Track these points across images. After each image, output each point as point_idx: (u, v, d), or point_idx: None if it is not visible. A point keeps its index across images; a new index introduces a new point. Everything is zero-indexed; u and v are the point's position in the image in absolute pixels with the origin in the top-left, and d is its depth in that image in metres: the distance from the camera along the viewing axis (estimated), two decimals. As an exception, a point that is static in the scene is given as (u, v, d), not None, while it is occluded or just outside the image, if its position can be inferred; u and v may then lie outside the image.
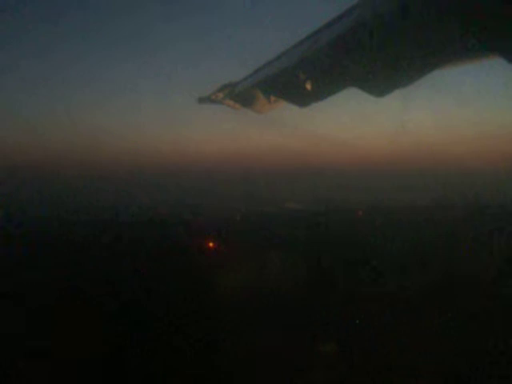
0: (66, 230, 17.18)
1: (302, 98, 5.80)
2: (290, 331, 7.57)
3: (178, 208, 23.87)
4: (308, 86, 5.54)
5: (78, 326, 7.79)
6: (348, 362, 6.98)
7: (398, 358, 6.99)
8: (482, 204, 21.25)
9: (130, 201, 26.23)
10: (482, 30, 3.42)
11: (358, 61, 4.76)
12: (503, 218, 16.72)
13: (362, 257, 12.47)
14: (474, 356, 6.64)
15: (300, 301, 8.94)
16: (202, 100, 7.01)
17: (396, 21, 3.98)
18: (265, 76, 5.99)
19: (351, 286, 9.90)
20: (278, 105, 6.48)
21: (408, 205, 22.87)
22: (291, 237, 14.76)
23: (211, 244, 14.48)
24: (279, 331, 7.47)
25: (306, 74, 5.48)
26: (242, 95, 6.59)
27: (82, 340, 7.28)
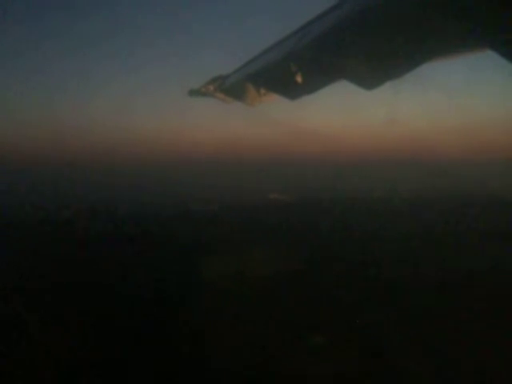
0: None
1: (292, 91, 5.83)
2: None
3: (154, 200, 23.82)
4: (299, 79, 5.56)
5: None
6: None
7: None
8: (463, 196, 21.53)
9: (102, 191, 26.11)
10: (473, 24, 3.46)
11: (348, 54, 4.79)
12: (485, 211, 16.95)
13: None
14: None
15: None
16: (192, 93, 7.01)
17: (386, 14, 4.01)
18: (255, 69, 5.99)
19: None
20: (268, 98, 6.50)
21: (385, 196, 23.14)
22: (259, 230, 14.78)
23: (133, 234, 14.44)
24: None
25: (297, 67, 5.50)
26: (232, 88, 6.61)
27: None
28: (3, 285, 9.37)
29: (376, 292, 9.46)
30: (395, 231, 14.70)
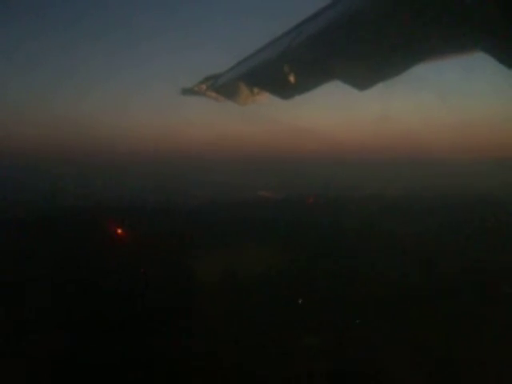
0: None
1: (285, 91, 5.80)
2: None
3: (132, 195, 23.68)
4: (292, 79, 5.53)
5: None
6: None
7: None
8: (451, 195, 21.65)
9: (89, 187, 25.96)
10: (465, 26, 3.47)
11: (341, 54, 4.78)
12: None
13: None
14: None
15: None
16: (185, 92, 6.99)
17: (380, 15, 4.01)
18: (248, 68, 5.98)
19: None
20: (261, 97, 6.48)
21: (370, 194, 23.22)
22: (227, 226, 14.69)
23: (120, 231, 14.12)
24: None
25: (290, 67, 5.48)
26: (225, 87, 6.58)
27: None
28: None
29: (366, 288, 9.47)
30: (385, 228, 14.73)
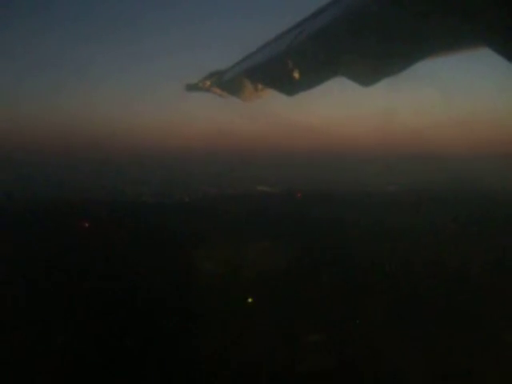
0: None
1: (289, 87, 5.81)
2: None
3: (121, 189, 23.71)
4: (296, 75, 5.54)
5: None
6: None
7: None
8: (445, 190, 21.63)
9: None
10: (470, 21, 3.47)
11: (345, 50, 4.79)
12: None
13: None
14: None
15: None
16: (189, 87, 7.01)
17: (384, 10, 4.01)
18: (253, 64, 6.00)
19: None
20: (265, 93, 6.50)
21: (360, 190, 23.20)
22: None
23: (87, 224, 14.23)
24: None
25: (294, 63, 5.48)
26: (229, 83, 6.61)
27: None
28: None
29: (364, 282, 9.50)
30: (384, 224, 14.74)
